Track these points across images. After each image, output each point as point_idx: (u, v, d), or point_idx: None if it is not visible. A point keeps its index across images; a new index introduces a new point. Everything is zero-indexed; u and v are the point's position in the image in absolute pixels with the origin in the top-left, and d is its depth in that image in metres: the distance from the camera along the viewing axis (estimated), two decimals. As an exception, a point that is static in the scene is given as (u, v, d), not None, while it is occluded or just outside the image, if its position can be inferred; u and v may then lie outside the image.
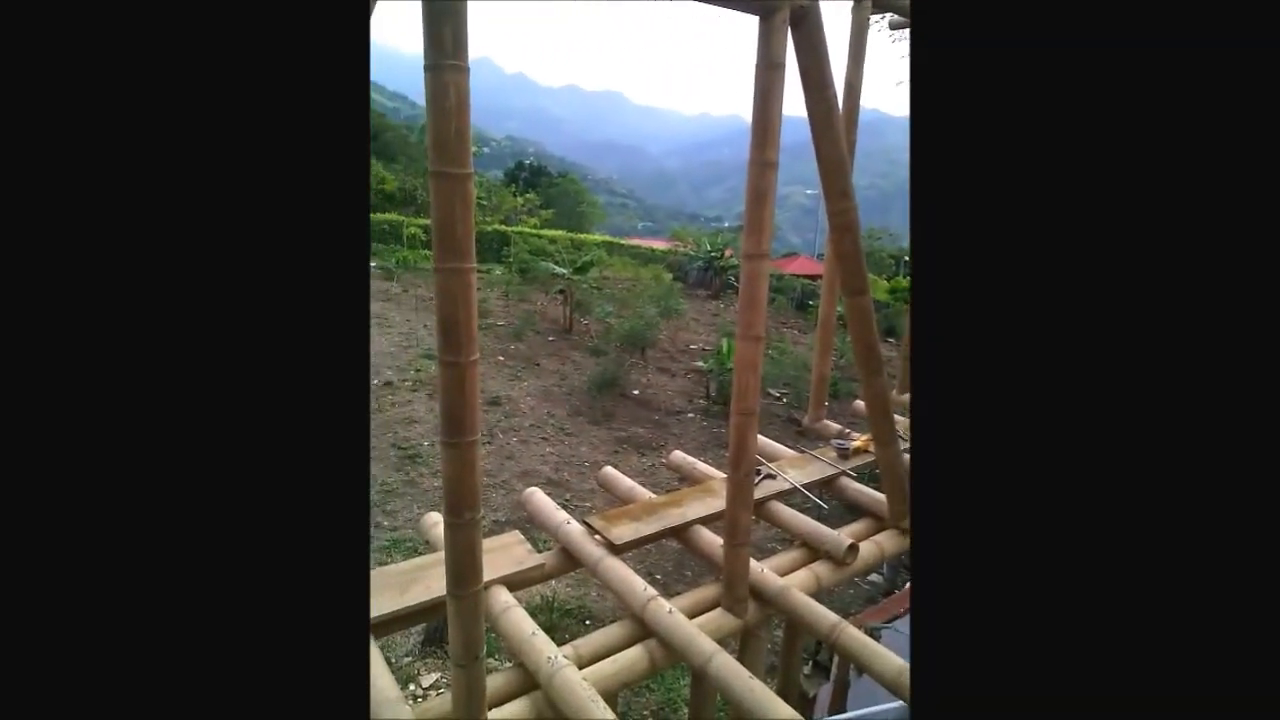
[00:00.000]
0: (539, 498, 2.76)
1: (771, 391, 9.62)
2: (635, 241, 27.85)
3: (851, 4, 2.82)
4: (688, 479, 3.17)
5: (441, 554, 1.75)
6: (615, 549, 2.36)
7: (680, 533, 2.57)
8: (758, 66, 1.79)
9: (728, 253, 18.13)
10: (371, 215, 18.57)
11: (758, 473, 2.80)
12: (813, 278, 18.89)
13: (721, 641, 2.08)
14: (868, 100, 3.11)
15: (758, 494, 2.60)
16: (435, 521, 2.47)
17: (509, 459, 6.89)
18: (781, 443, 3.39)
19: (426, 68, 1.25)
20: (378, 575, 2.13)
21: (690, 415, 8.95)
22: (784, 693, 2.56)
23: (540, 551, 2.41)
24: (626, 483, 2.98)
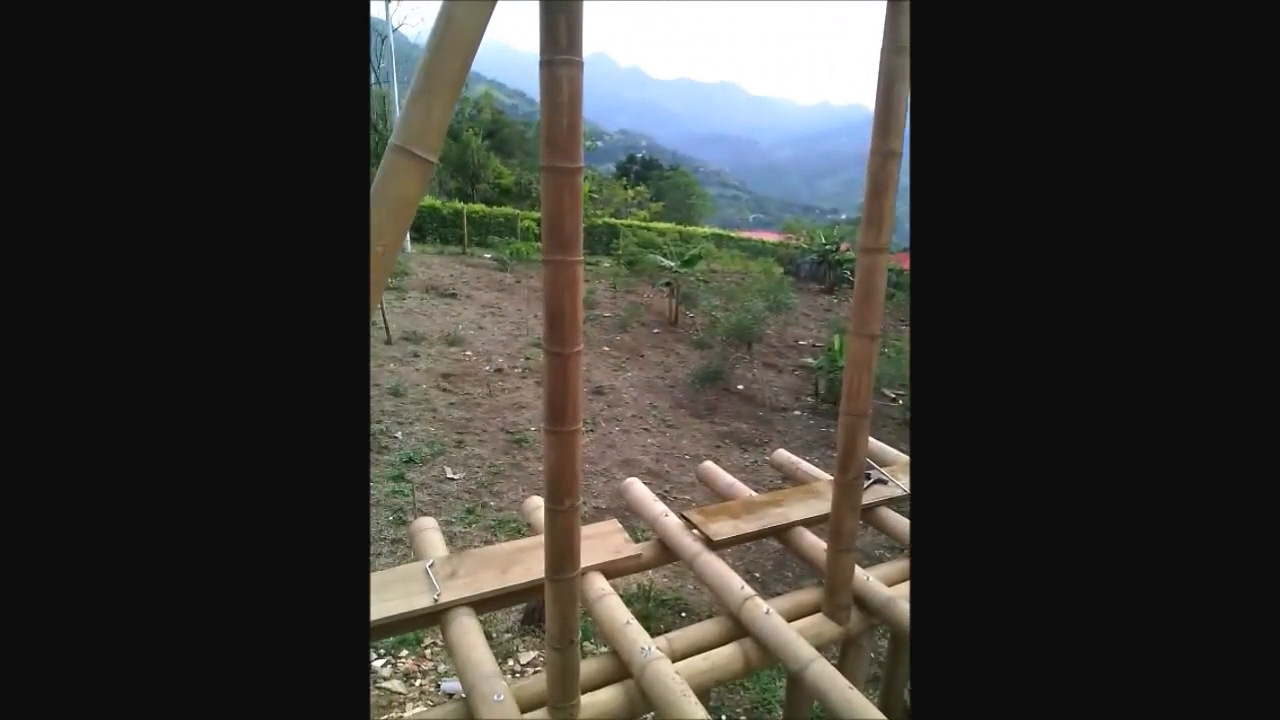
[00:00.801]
0: (638, 488, 2.78)
1: (886, 392, 9.20)
2: (745, 234, 27.45)
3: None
4: (791, 478, 3.09)
5: (541, 538, 1.80)
6: (713, 545, 2.34)
7: (781, 533, 2.50)
8: (883, 50, 1.69)
9: (843, 246, 17.48)
10: (488, 208, 19.42)
11: (867, 476, 2.68)
12: (933, 274, 17.88)
13: (821, 648, 2.01)
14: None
15: (867, 499, 2.49)
16: (536, 506, 2.55)
17: (610, 448, 7.00)
18: (895, 447, 3.23)
19: (541, 62, 1.26)
20: (481, 555, 2.22)
21: (796, 413, 8.72)
22: (886, 706, 2.45)
23: (638, 542, 2.43)
24: (726, 479, 2.94)
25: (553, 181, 1.33)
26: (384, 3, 20.78)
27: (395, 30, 21.67)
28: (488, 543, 4.88)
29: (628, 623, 1.98)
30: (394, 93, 20.01)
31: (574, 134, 1.32)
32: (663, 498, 5.71)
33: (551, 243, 1.38)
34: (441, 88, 1.20)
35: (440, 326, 10.02)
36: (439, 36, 1.21)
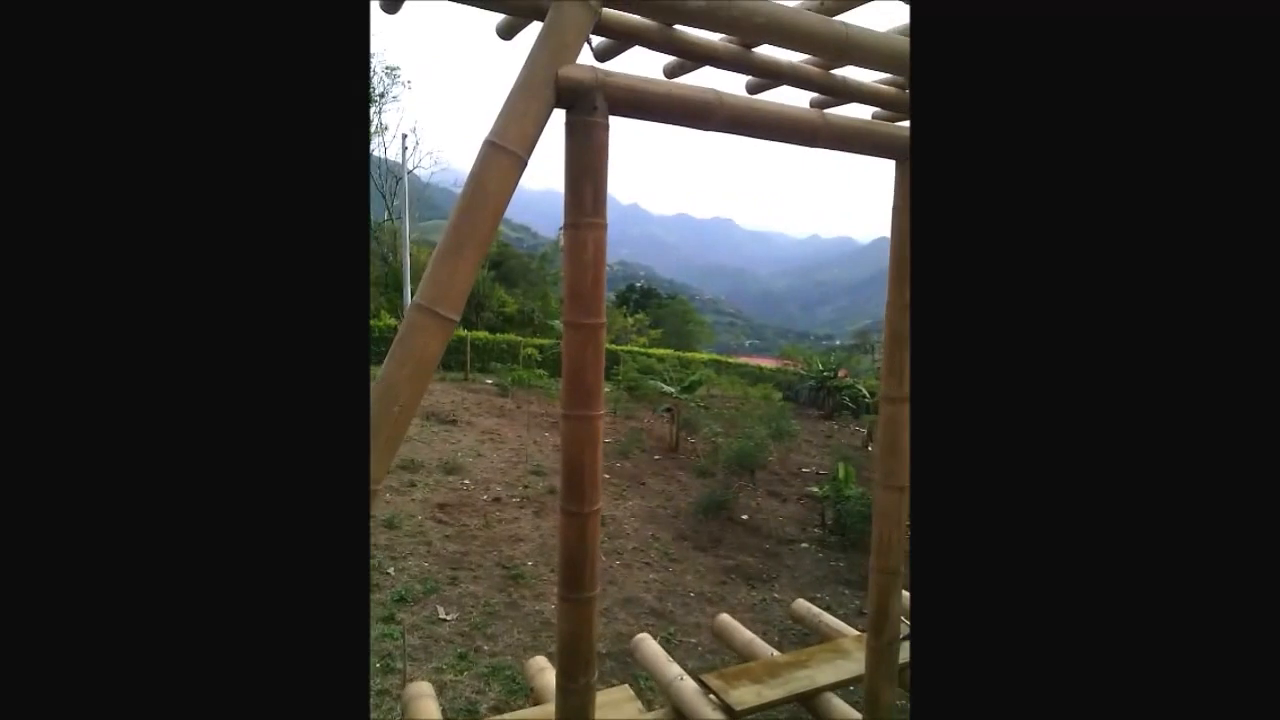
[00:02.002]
0: (649, 646, 2.57)
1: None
2: (743, 360, 27.87)
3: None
4: (814, 633, 2.88)
5: (547, 709, 1.62)
6: (734, 715, 2.12)
7: (809, 699, 2.28)
8: (894, 208, 1.74)
9: (841, 372, 17.66)
10: (491, 335, 19.83)
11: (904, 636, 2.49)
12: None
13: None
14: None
15: (903, 658, 2.29)
16: (541, 668, 2.35)
17: (611, 584, 6.66)
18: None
19: (567, 225, 1.29)
20: (482, 729, 2.00)
21: (804, 545, 8.40)
22: None
23: (650, 707, 2.21)
24: (745, 635, 2.74)
25: (575, 337, 1.31)
26: (401, 148, 22.36)
27: (410, 171, 23.17)
28: (478, 693, 4.50)
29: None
30: (404, 227, 21.06)
31: (597, 290, 1.32)
32: (667, 643, 5.33)
33: (572, 396, 1.34)
34: (468, 249, 1.21)
35: (439, 454, 9.87)
36: (468, 200, 1.23)
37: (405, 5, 1.66)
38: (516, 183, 1.25)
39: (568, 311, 1.32)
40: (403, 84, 24.86)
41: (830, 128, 1.59)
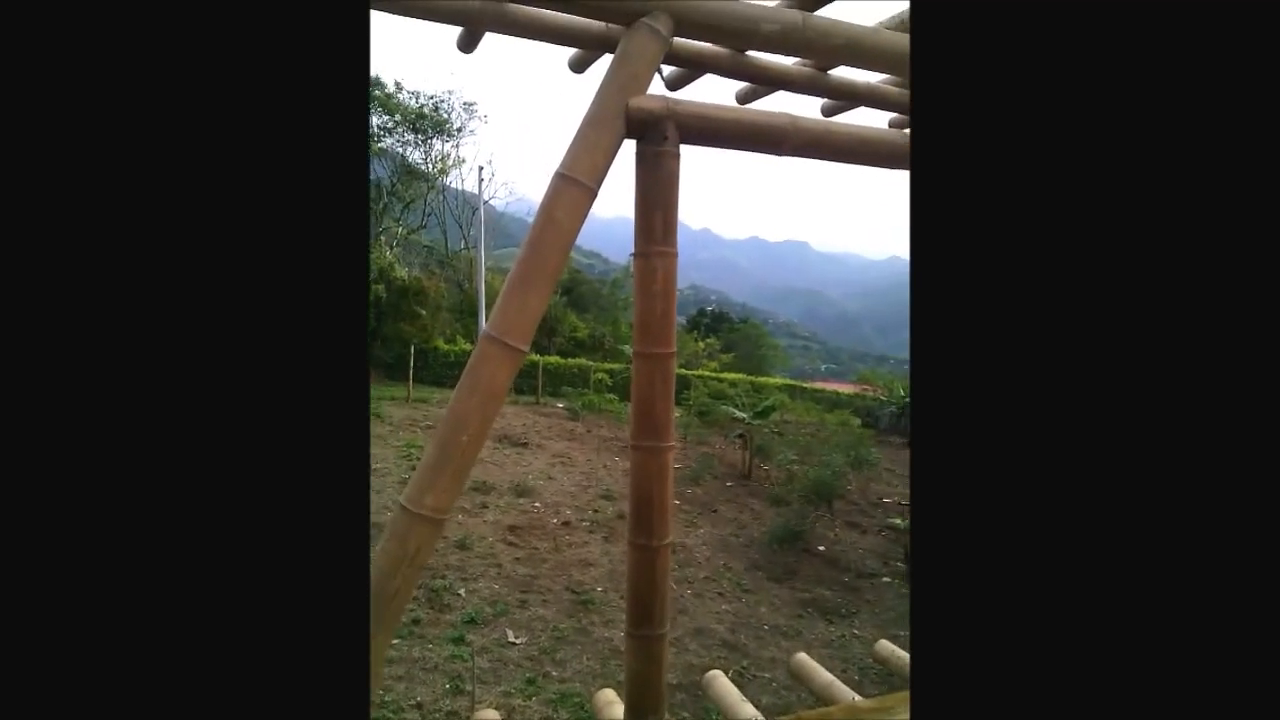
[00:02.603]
0: (721, 684, 2.49)
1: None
2: (819, 385, 27.21)
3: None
4: (898, 675, 2.72)
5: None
6: (811, 764, 2.01)
7: (890, 752, 2.14)
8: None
9: (921, 398, 16.94)
10: (563, 360, 20.16)
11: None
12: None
13: None
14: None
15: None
16: (610, 701, 2.30)
17: (682, 613, 6.54)
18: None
19: (637, 253, 1.27)
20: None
21: (886, 579, 8.02)
22: None
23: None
24: (824, 676, 2.61)
25: (644, 367, 1.29)
26: (478, 179, 23.27)
27: (486, 202, 24.03)
28: (548, 719, 4.48)
29: None
30: (480, 256, 21.81)
31: (667, 321, 1.30)
32: (739, 677, 5.16)
33: (641, 427, 1.31)
34: (539, 282, 1.21)
35: (510, 476, 10.04)
36: (539, 231, 1.24)
37: (482, 44, 1.71)
38: (586, 214, 1.25)
39: (637, 341, 1.30)
40: (480, 118, 25.84)
41: (832, 138, 1.53)
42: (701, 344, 25.89)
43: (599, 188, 1.25)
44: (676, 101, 1.29)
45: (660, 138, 1.25)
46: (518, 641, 5.46)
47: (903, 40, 1.50)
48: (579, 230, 1.24)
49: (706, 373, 21.57)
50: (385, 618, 1.17)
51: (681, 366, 21.65)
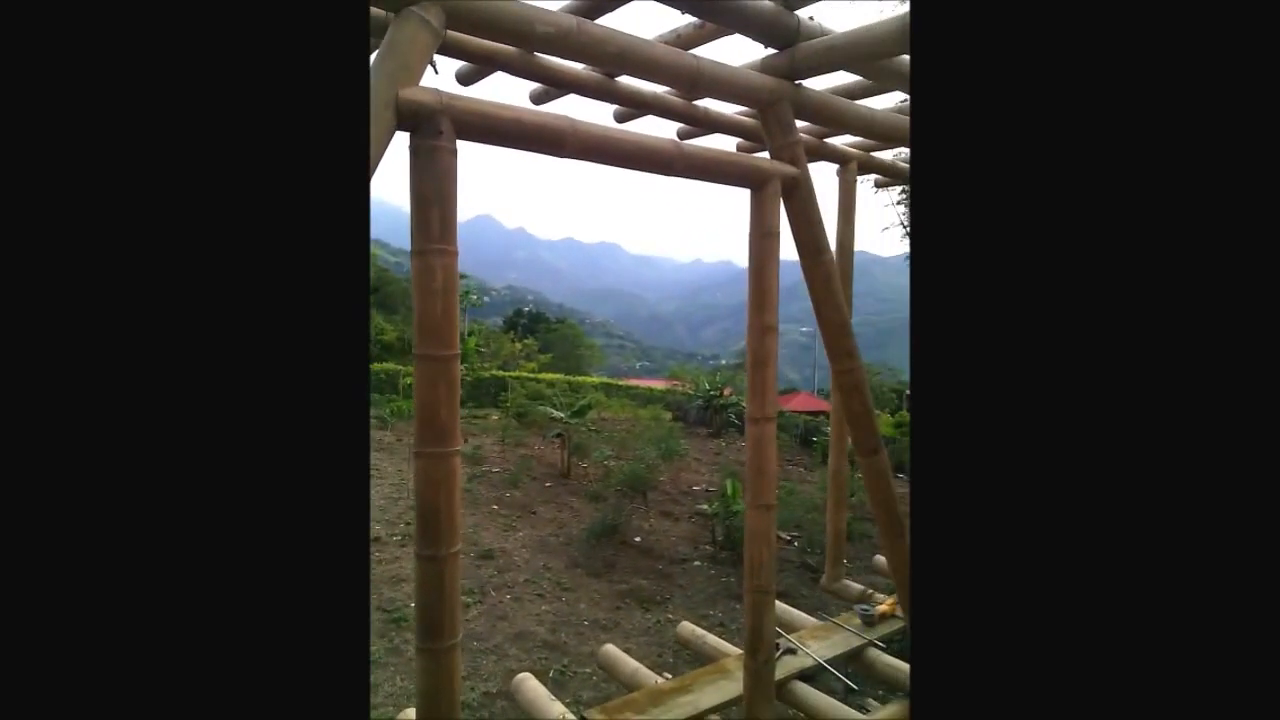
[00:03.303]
0: (530, 686, 2.48)
1: (782, 534, 9.22)
2: (634, 382, 28.12)
3: (838, 167, 2.95)
4: (698, 655, 2.89)
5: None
6: (618, 750, 2.07)
7: (692, 725, 2.27)
8: (751, 236, 1.80)
9: (726, 391, 18.20)
10: (371, 365, 18.84)
11: (776, 647, 2.54)
12: (814, 413, 18.80)
13: None
14: (856, 243, 3.19)
15: (778, 673, 2.33)
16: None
17: (501, 619, 6.42)
18: (797, 594, 3.13)
19: (414, 252, 1.22)
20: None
21: (696, 563, 8.50)
22: None
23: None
24: (630, 664, 2.70)
25: (426, 370, 1.24)
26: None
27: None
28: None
29: None
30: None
31: (449, 321, 1.26)
32: (560, 676, 5.19)
33: (425, 434, 1.26)
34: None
35: (311, 494, 9.18)
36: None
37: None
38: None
39: (418, 343, 1.24)
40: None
41: (686, 157, 1.62)
42: (519, 345, 25.57)
43: (369, 178, 1.18)
44: (452, 96, 1.25)
45: (435, 132, 1.21)
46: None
47: (674, 54, 1.59)
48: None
49: (524, 374, 21.35)
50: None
51: (499, 368, 21.21)
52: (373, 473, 10.51)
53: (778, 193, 1.79)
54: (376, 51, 1.21)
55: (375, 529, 8.14)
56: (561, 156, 1.41)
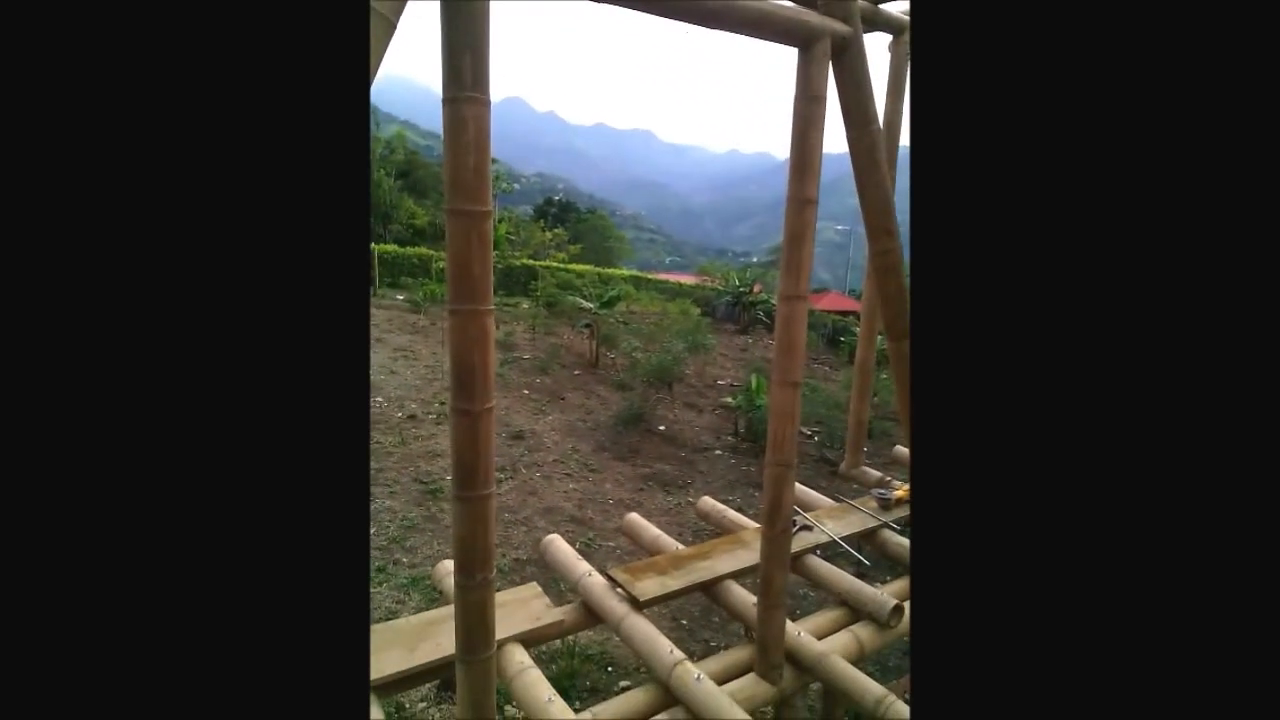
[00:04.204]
0: (559, 546, 2.63)
1: (803, 430, 9.40)
2: (663, 276, 27.91)
3: (890, 39, 2.74)
4: (718, 528, 3.02)
5: (453, 609, 1.63)
6: (639, 605, 2.21)
7: (709, 587, 2.41)
8: (797, 99, 1.70)
9: (756, 288, 18.02)
10: (402, 249, 18.90)
11: (793, 524, 2.64)
12: (844, 313, 18.59)
13: (755, 711, 1.92)
14: (906, 137, 3.01)
15: (794, 547, 2.44)
16: (449, 571, 2.36)
17: (531, 494, 6.77)
18: (815, 485, 3.23)
19: (445, 100, 1.17)
20: (385, 630, 2.01)
21: (718, 452, 8.75)
22: (821, 767, 2.37)
23: (561, 603, 2.27)
24: (652, 531, 2.84)
25: (458, 225, 1.23)
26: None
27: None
28: (399, 603, 4.55)
29: (549, 700, 1.82)
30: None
31: (480, 176, 1.23)
32: (586, 547, 5.50)
33: (458, 290, 1.27)
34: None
35: (349, 372, 9.52)
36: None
37: None
38: (384, 49, 1.12)
39: (449, 199, 1.22)
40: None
41: (732, 10, 1.51)
42: (549, 234, 25.33)
43: (398, 20, 1.12)
44: (483, -75, 1.16)
45: (465, -34, 1.13)
46: (364, 533, 5.39)
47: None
48: (376, 68, 1.11)
49: (554, 264, 21.29)
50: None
51: (529, 257, 21.15)
52: (407, 354, 10.81)
53: (827, 53, 1.67)
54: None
55: (411, 407, 8.47)
56: (600, 1, 1.32)
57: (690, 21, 1.47)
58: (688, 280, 24.88)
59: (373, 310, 14.09)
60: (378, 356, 10.66)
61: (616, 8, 1.40)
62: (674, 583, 2.34)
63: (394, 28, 1.14)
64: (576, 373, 11.28)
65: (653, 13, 1.43)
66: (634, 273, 26.23)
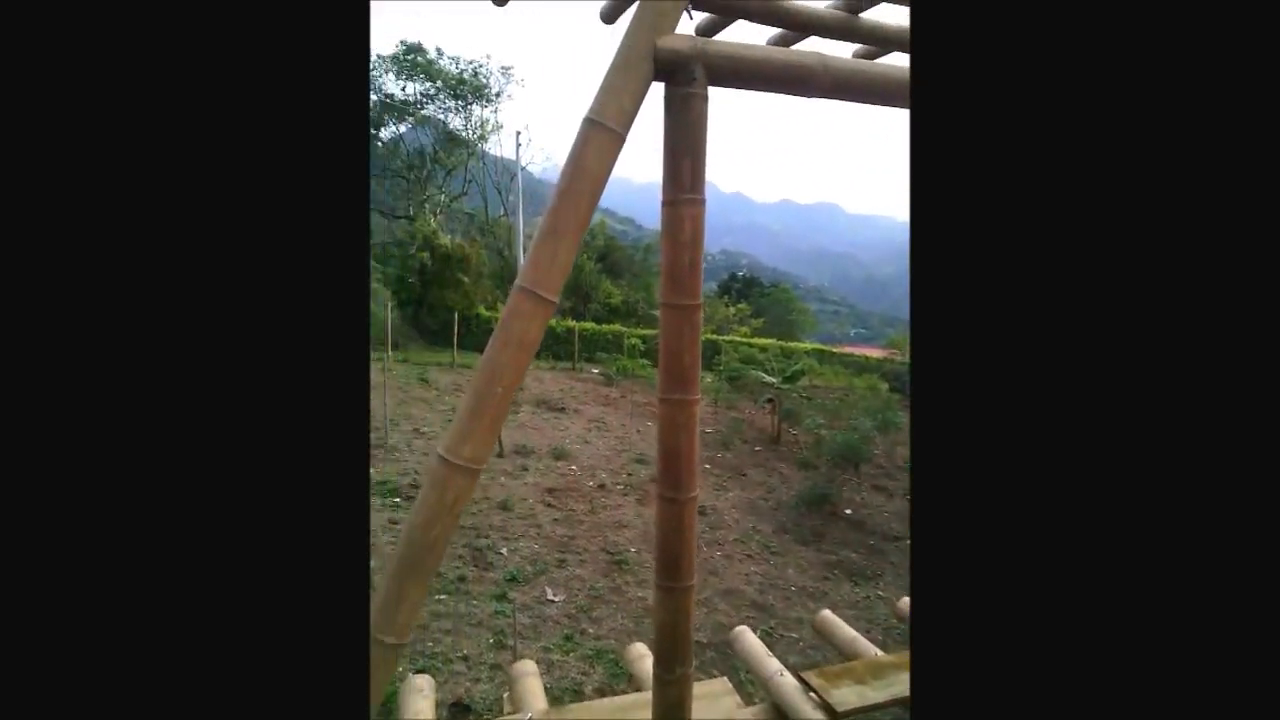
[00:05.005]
0: (748, 638, 2.52)
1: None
2: (848, 350, 26.88)
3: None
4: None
5: (645, 695, 1.62)
6: (835, 715, 2.03)
7: (918, 706, 2.16)
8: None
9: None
10: (597, 326, 20.20)
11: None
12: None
13: None
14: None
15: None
16: (640, 655, 2.35)
17: (712, 574, 6.63)
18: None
19: (665, 202, 1.25)
20: (581, 710, 2.03)
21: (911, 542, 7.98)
22: None
23: (749, 702, 2.16)
24: (848, 632, 2.62)
25: (672, 318, 1.28)
26: (515, 145, 23.10)
27: (523, 168, 23.89)
28: (584, 675, 4.61)
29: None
30: (519, 223, 21.79)
31: (695, 271, 1.28)
32: (767, 636, 5.21)
33: (668, 380, 1.31)
34: (567, 231, 1.21)
35: (549, 440, 10.20)
36: (568, 180, 1.23)
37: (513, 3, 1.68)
38: (615, 160, 1.23)
39: (664, 292, 1.29)
40: (517, 82, 25.55)
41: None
42: (732, 309, 25.71)
43: (627, 133, 1.23)
44: (705, 41, 1.25)
45: (689, 79, 1.22)
46: (556, 599, 5.60)
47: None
48: (608, 177, 1.22)
49: (737, 338, 21.47)
50: (423, 567, 1.20)
51: (712, 332, 21.58)
52: (600, 425, 11.36)
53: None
54: (637, 5, 1.25)
55: (601, 476, 8.82)
56: (811, 95, 1.35)
57: (905, 106, 1.45)
58: (874, 353, 23.72)
59: (571, 383, 15.09)
60: (573, 427, 11.31)
61: (828, 114, 1.42)
62: (874, 694, 2.13)
63: (622, 140, 1.25)
64: (758, 449, 11.08)
65: (864, 101, 1.43)
66: (818, 346, 25.58)
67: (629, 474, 9.01)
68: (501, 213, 26.53)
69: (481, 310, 18.57)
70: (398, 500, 7.04)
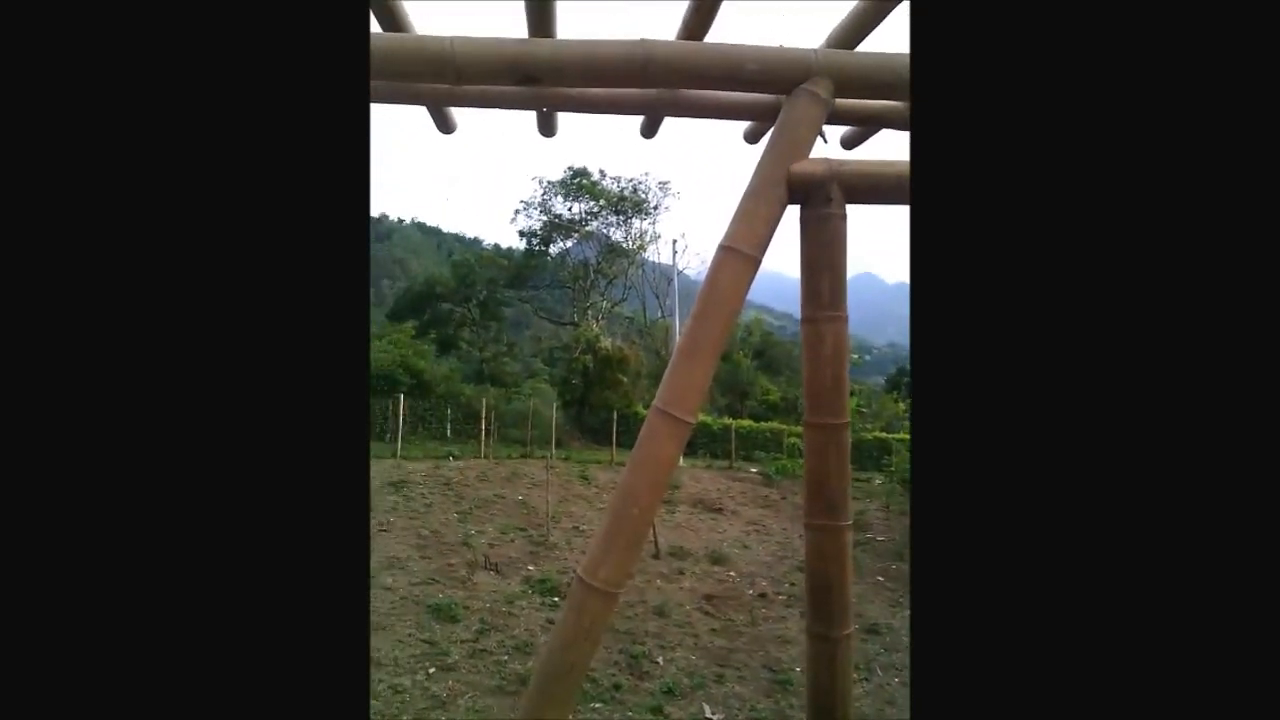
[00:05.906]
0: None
1: None
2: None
3: None
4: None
5: None
6: None
7: None
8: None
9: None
10: (755, 424, 19.88)
11: None
12: None
13: None
14: None
15: None
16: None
17: (889, 704, 5.89)
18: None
19: (804, 320, 1.23)
20: None
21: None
22: None
23: None
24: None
25: (816, 439, 1.22)
26: (672, 252, 24.34)
27: (680, 272, 25.01)
28: (743, 812, 4.22)
29: None
30: (675, 324, 22.58)
31: (839, 388, 1.23)
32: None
33: (814, 504, 1.23)
34: (704, 353, 1.21)
35: (706, 542, 9.95)
36: (703, 303, 1.25)
37: (663, 126, 1.82)
38: (750, 283, 1.24)
39: (808, 411, 1.24)
40: (673, 195, 27.47)
41: None
42: (902, 405, 24.16)
43: (762, 256, 1.24)
44: (840, 162, 1.25)
45: (824, 200, 1.22)
46: (715, 718, 5.27)
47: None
48: (743, 300, 1.23)
49: (909, 436, 19.99)
50: (562, 692, 1.18)
51: (881, 430, 20.31)
52: (759, 529, 10.93)
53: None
54: (770, 131, 1.29)
55: (761, 584, 8.38)
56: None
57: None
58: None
59: (728, 483, 14.80)
60: (731, 529, 10.98)
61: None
62: None
63: (757, 263, 1.26)
64: (941, 561, 9.99)
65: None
66: (1006, 445, 23.03)
67: (791, 583, 8.46)
68: (659, 315, 27.68)
69: (639, 409, 19.11)
70: (555, 600, 7.13)
